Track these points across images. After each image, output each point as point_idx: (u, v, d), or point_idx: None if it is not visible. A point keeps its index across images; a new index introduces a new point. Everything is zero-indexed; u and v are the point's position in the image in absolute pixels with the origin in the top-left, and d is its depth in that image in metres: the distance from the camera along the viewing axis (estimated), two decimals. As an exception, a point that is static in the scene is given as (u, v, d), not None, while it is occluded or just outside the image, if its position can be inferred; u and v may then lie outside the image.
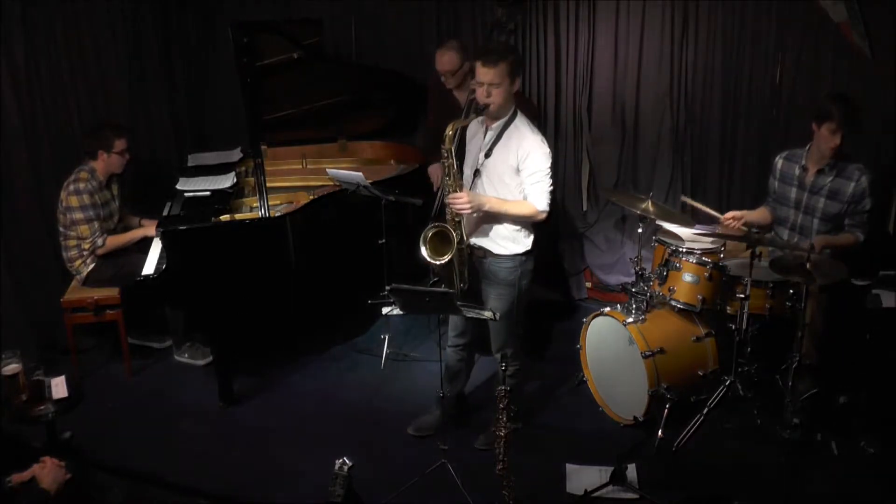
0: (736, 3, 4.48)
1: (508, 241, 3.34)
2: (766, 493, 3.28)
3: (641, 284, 3.91)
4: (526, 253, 3.37)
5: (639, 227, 3.97)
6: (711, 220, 3.97)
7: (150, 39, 5.06)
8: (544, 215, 3.28)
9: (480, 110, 3.20)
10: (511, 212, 3.28)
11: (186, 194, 4.40)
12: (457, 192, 3.22)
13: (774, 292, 3.60)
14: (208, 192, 4.36)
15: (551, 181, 3.27)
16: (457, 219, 3.27)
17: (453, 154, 3.23)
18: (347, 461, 3.18)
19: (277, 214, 4.02)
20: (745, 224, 3.75)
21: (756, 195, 4.43)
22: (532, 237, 3.38)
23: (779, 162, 3.81)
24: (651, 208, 3.79)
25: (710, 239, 3.85)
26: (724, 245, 3.82)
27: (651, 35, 4.71)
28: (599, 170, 5.08)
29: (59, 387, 3.18)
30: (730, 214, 3.81)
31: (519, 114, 3.31)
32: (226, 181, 4.43)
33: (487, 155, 3.29)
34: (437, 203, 3.84)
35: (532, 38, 4.92)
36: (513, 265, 3.36)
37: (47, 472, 2.69)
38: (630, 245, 4.98)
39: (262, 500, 3.35)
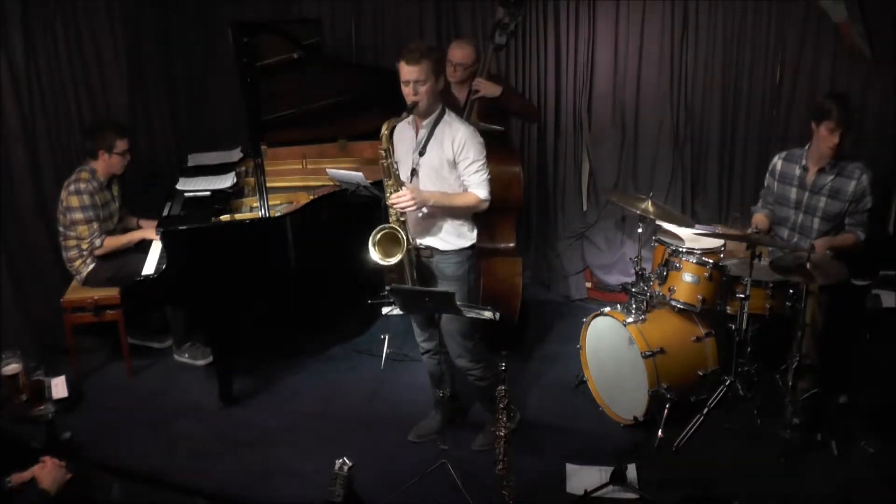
0: (736, 3, 4.48)
1: (453, 237, 3.35)
2: (766, 493, 3.28)
3: (641, 284, 3.91)
4: (471, 247, 3.39)
5: (639, 227, 3.97)
6: (714, 217, 3.95)
7: (150, 39, 5.06)
8: (486, 204, 3.30)
9: (410, 109, 3.21)
10: (456, 203, 3.29)
11: (186, 194, 4.39)
12: (399, 190, 3.22)
13: (774, 292, 3.60)
14: (208, 192, 4.35)
15: (488, 170, 3.28)
16: (402, 219, 3.28)
17: (392, 153, 3.25)
18: (347, 461, 3.19)
19: (277, 214, 4.02)
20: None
21: (756, 195, 4.43)
22: (476, 231, 3.40)
23: (778, 163, 3.80)
24: (651, 208, 3.79)
25: (710, 239, 3.85)
26: (724, 245, 3.82)
27: (651, 35, 4.72)
28: (599, 170, 5.09)
29: (59, 387, 3.19)
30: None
31: (447, 109, 3.33)
32: (226, 181, 4.43)
33: (422, 153, 3.29)
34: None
35: (532, 38, 4.93)
36: (460, 260, 3.36)
37: (47, 472, 2.69)
38: (630, 245, 4.98)
39: (262, 500, 3.35)
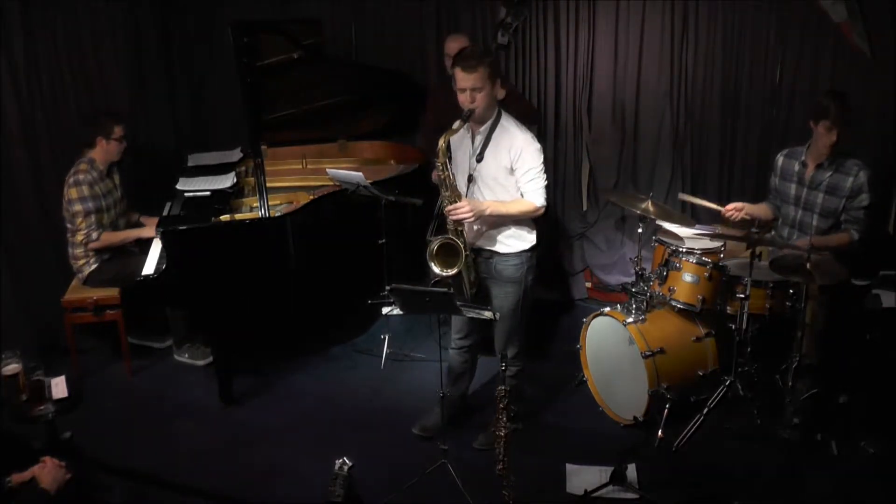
0: (736, 3, 4.48)
1: (513, 240, 3.36)
2: (766, 493, 3.28)
3: (641, 284, 3.91)
4: (531, 248, 3.39)
5: (639, 227, 3.98)
6: (714, 216, 3.97)
7: (150, 39, 5.06)
8: (543, 210, 3.30)
9: (466, 116, 3.20)
10: (511, 212, 3.29)
11: (186, 194, 4.39)
12: (455, 202, 3.23)
13: (774, 292, 3.60)
14: (208, 192, 4.36)
15: (545, 176, 3.29)
16: (459, 228, 3.29)
17: (448, 166, 3.26)
18: (347, 461, 3.19)
19: (277, 214, 4.02)
20: (747, 214, 3.76)
21: (756, 195, 4.42)
22: (535, 232, 3.40)
23: (780, 159, 3.83)
24: (651, 208, 3.79)
25: (711, 239, 3.85)
26: (724, 245, 3.82)
27: (651, 35, 4.71)
28: (599, 170, 5.09)
29: (59, 387, 3.17)
30: (731, 206, 3.84)
31: (504, 113, 3.31)
32: (226, 181, 4.44)
33: (479, 159, 3.29)
34: (435, 217, 3.67)
35: (532, 38, 4.92)
36: (519, 262, 3.38)
37: (47, 472, 2.68)
38: (630, 245, 4.98)
39: (262, 500, 3.35)
